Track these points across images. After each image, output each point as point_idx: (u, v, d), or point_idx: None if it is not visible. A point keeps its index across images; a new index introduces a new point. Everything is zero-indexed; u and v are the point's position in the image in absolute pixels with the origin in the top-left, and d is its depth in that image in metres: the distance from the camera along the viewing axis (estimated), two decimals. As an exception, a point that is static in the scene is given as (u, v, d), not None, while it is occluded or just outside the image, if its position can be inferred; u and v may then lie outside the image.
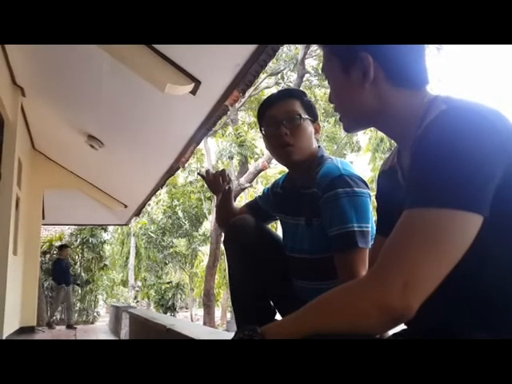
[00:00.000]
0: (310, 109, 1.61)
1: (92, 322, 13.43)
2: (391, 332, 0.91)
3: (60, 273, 8.95)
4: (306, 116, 1.57)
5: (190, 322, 10.91)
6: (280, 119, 1.55)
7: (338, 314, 0.73)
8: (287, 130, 1.53)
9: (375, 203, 1.10)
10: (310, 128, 1.58)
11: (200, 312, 18.81)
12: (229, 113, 11.94)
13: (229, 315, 16.76)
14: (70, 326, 8.38)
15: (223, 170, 1.81)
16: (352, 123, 0.97)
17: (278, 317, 1.70)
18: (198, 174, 1.99)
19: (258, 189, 17.58)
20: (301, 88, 13.41)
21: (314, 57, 14.44)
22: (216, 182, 1.79)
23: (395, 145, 1.00)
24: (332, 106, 0.98)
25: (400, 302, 0.67)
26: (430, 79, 0.89)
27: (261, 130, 1.66)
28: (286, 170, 1.73)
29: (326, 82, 15.67)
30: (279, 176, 1.83)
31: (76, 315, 8.80)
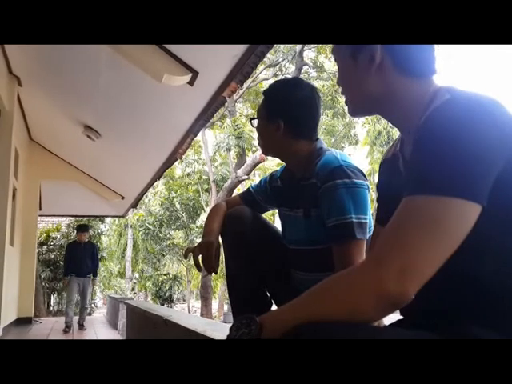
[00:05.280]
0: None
1: (89, 314, 13.48)
2: (387, 322, 0.92)
3: (70, 260, 6.82)
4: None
5: (187, 314, 10.95)
6: None
7: (335, 300, 0.72)
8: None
9: (373, 195, 1.09)
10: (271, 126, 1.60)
11: (197, 304, 18.90)
12: (226, 104, 11.92)
13: (226, 307, 16.83)
14: (80, 325, 6.70)
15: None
16: (357, 107, 0.98)
17: (275, 308, 1.70)
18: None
19: (256, 181, 17.56)
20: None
21: (312, 49, 14.39)
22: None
23: (393, 138, 1.00)
24: (339, 90, 0.99)
25: (397, 287, 0.67)
26: (438, 70, 0.89)
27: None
28: (283, 162, 1.73)
29: (324, 75, 15.63)
30: (277, 168, 1.83)
31: (73, 306, 6.76)
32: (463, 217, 0.70)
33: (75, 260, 6.76)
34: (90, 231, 14.95)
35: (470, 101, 0.76)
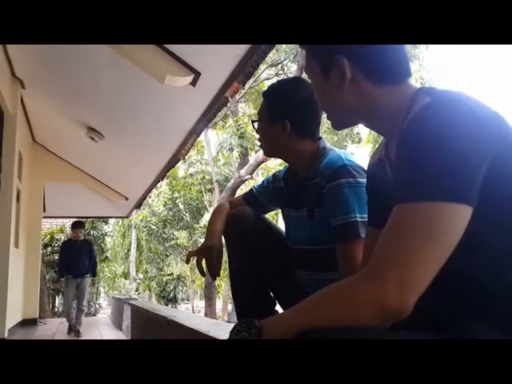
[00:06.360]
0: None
1: (94, 314, 13.52)
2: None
3: (66, 261, 6.21)
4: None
5: (191, 314, 10.96)
6: None
7: (334, 311, 0.72)
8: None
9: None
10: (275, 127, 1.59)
11: (201, 304, 18.91)
12: (229, 104, 11.91)
13: (230, 307, 16.84)
14: (76, 331, 6.09)
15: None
16: (338, 122, 0.99)
17: (278, 307, 1.70)
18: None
19: (259, 181, 17.55)
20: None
21: (314, 48, 14.33)
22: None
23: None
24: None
25: (396, 300, 0.67)
26: (412, 71, 0.89)
27: None
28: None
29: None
30: (280, 168, 1.82)
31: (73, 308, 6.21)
32: (456, 220, 0.69)
33: (71, 260, 6.17)
34: (94, 232, 15.03)
35: (450, 102, 0.75)
